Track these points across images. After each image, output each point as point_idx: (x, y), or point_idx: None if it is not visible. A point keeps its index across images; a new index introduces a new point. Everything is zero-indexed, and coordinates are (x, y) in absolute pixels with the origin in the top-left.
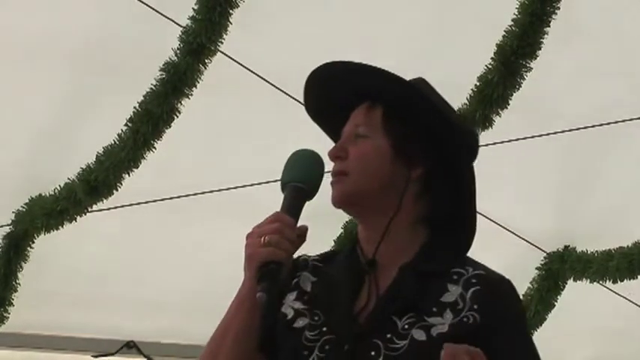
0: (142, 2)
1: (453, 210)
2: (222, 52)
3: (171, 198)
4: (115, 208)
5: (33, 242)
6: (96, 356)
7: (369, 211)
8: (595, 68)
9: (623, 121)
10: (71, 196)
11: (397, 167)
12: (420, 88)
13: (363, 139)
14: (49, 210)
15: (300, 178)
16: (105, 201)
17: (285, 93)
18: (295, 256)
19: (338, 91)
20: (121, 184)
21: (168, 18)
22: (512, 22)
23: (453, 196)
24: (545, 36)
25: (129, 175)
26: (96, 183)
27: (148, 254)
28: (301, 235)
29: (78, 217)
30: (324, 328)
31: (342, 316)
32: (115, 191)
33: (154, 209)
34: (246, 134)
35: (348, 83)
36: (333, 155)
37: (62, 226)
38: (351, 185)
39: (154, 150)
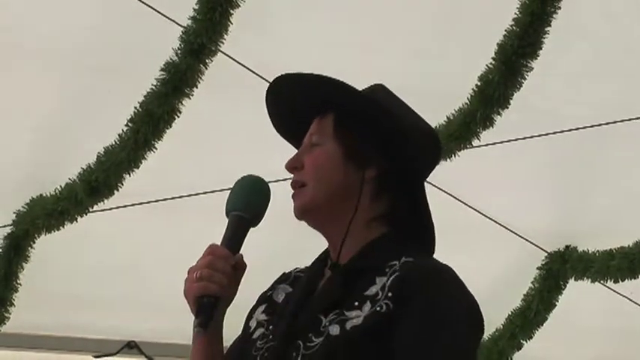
0: (143, 2)
1: (410, 207)
2: (223, 52)
3: (172, 198)
4: (117, 208)
5: (34, 242)
6: (97, 356)
7: (329, 219)
8: (596, 68)
9: (622, 121)
10: (72, 197)
11: (350, 170)
12: (369, 94)
13: (317, 147)
14: (50, 210)
15: (240, 207)
16: (106, 201)
17: None
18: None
19: (294, 105)
20: (122, 184)
21: (169, 18)
22: (513, 22)
23: (408, 194)
24: (546, 35)
25: (130, 176)
26: (97, 183)
27: (149, 254)
28: (238, 265)
29: (79, 218)
30: (270, 336)
31: (283, 320)
32: (115, 191)
33: (155, 210)
34: (247, 135)
35: (301, 96)
36: (289, 167)
37: (63, 227)
38: (309, 195)
39: (154, 150)
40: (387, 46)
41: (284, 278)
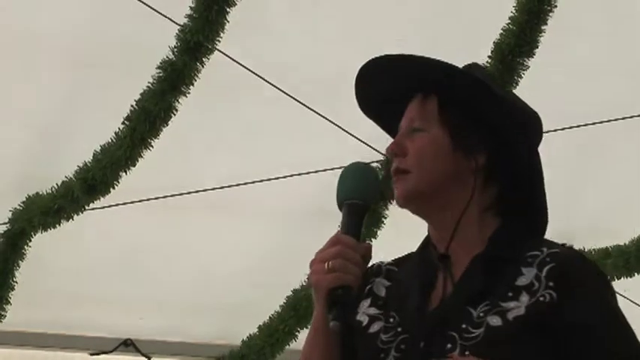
0: (140, 0)
1: (521, 194)
2: (220, 51)
3: (173, 195)
4: (112, 206)
5: (30, 241)
6: (93, 354)
7: (435, 208)
8: (592, 66)
9: (622, 119)
10: (68, 195)
11: (458, 158)
12: (474, 73)
13: (420, 133)
14: (47, 208)
15: (354, 194)
16: (102, 199)
17: (283, 92)
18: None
19: (389, 85)
20: (119, 182)
21: (166, 16)
22: (509, 20)
23: (518, 181)
24: (543, 34)
25: (126, 174)
26: (93, 181)
27: (145, 252)
28: (365, 253)
29: (75, 216)
30: (399, 329)
31: (415, 313)
32: (112, 189)
33: (152, 207)
34: (244, 133)
35: (399, 76)
36: (391, 152)
37: (59, 225)
38: (413, 183)
39: (151, 148)
40: (385, 42)
41: (376, 272)
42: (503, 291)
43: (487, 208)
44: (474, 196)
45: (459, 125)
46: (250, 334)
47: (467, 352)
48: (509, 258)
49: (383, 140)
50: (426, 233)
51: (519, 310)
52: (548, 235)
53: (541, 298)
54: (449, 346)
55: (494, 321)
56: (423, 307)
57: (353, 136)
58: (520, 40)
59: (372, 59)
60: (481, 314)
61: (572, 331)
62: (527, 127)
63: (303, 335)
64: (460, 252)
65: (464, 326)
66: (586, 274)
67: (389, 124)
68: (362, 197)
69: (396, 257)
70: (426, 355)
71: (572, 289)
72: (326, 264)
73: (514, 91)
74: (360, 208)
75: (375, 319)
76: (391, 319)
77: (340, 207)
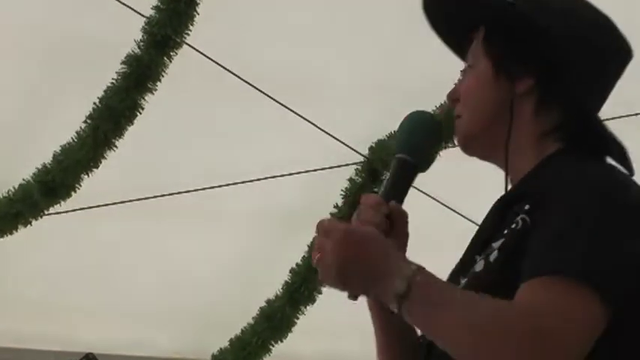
0: None
1: (580, 116)
2: (189, 45)
3: (139, 199)
4: (75, 210)
5: None
6: None
7: (490, 146)
8: None
9: (626, 116)
10: (27, 198)
11: (502, 86)
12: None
13: (470, 70)
14: (3, 213)
15: (405, 149)
16: (63, 203)
17: (255, 88)
18: None
19: (450, 24)
20: (80, 185)
21: (131, 8)
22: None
23: (574, 102)
24: None
25: (88, 176)
26: (53, 184)
27: (108, 259)
28: (394, 213)
29: (34, 221)
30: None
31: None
32: (73, 193)
33: (117, 211)
34: (217, 130)
35: (454, 16)
36: (449, 99)
37: (17, 230)
38: (463, 128)
39: (115, 148)
40: (363, 35)
41: None
42: (502, 229)
43: (545, 133)
44: (512, 124)
45: (500, 52)
46: (221, 348)
47: None
48: (526, 193)
49: (361, 141)
50: None
51: (498, 245)
52: None
53: (513, 226)
54: None
55: (479, 266)
56: (464, 257)
57: (331, 136)
58: None
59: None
60: (477, 260)
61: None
62: (584, 42)
63: (277, 349)
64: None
65: (460, 278)
66: (566, 185)
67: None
68: (412, 153)
69: None
70: None
71: (543, 210)
72: None
73: None
74: (405, 166)
75: None
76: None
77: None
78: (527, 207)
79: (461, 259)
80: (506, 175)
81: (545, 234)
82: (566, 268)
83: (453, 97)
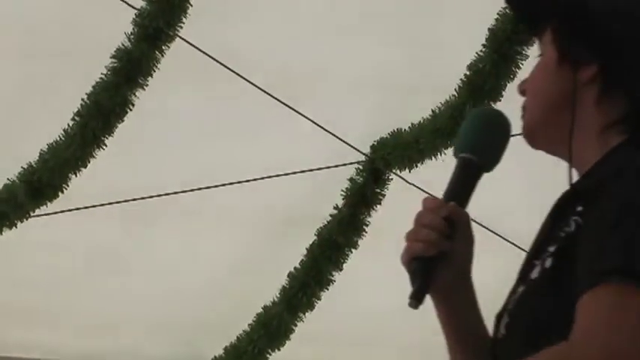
0: None
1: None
2: (182, 38)
3: (128, 200)
4: (62, 212)
5: None
6: None
7: (553, 139)
8: None
9: None
10: (11, 199)
11: (564, 75)
12: None
13: (539, 60)
14: None
15: (469, 148)
16: (50, 204)
17: (252, 84)
18: None
19: (525, 16)
20: (68, 185)
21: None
22: (505, 5)
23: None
24: None
25: (76, 176)
26: (39, 184)
27: (96, 264)
28: (453, 216)
29: (19, 223)
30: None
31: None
32: (60, 193)
33: (105, 214)
34: (210, 129)
35: (528, 7)
36: (520, 90)
37: (1, 233)
38: (527, 120)
39: (104, 147)
40: (364, 29)
41: None
42: (560, 230)
43: (610, 124)
44: (574, 115)
45: (564, 37)
46: (216, 356)
47: (507, 320)
48: (587, 189)
49: (363, 139)
50: None
51: (553, 249)
52: None
53: (567, 228)
54: (510, 306)
55: (535, 273)
56: (525, 261)
57: (331, 133)
58: (517, 27)
59: None
60: (536, 264)
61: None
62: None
63: (274, 357)
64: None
65: (520, 285)
66: (619, 179)
67: None
68: (476, 153)
69: None
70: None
71: (595, 205)
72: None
73: (510, 84)
74: (473, 167)
75: None
76: None
77: (455, 155)
78: (579, 208)
79: (522, 264)
80: (570, 169)
81: (594, 236)
82: (621, 270)
83: (521, 88)
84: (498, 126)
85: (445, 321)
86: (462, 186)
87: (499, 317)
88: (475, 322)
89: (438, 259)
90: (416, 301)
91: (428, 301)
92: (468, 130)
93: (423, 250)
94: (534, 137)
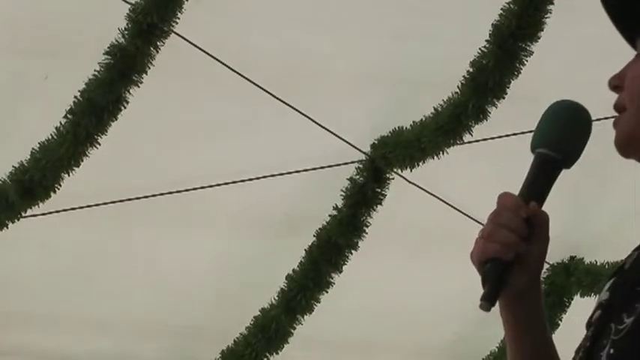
0: None
1: None
2: (177, 33)
3: (122, 201)
4: (54, 212)
5: None
6: None
7: None
8: (604, 51)
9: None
10: (2, 199)
11: None
12: None
13: (638, 59)
14: None
15: (549, 143)
16: (41, 204)
17: (249, 80)
18: None
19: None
20: (60, 185)
21: None
22: (510, 0)
23: None
24: (548, 15)
25: (69, 175)
26: (31, 184)
27: (88, 265)
28: (533, 217)
29: (10, 223)
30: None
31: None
32: (52, 193)
33: (98, 214)
34: (206, 127)
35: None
36: (610, 85)
37: None
38: (624, 122)
39: (97, 146)
40: (362, 24)
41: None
42: None
43: None
44: None
45: None
46: None
47: (611, 351)
48: None
49: (363, 137)
50: None
51: None
52: (555, 245)
53: None
54: (604, 342)
55: (627, 323)
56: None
57: (330, 132)
58: (522, 22)
59: None
60: None
61: None
62: None
63: None
64: None
65: (622, 315)
66: None
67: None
68: (557, 148)
69: None
70: (592, 347)
71: None
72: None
73: (514, 80)
74: (553, 164)
75: (599, 306)
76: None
77: (533, 150)
78: None
79: (600, 311)
80: None
81: None
82: None
83: (616, 83)
84: (582, 122)
85: (512, 328)
86: (540, 183)
87: (589, 350)
88: (542, 335)
89: (514, 262)
90: (488, 303)
91: (428, 301)
92: (547, 125)
93: (500, 253)
94: (632, 145)
